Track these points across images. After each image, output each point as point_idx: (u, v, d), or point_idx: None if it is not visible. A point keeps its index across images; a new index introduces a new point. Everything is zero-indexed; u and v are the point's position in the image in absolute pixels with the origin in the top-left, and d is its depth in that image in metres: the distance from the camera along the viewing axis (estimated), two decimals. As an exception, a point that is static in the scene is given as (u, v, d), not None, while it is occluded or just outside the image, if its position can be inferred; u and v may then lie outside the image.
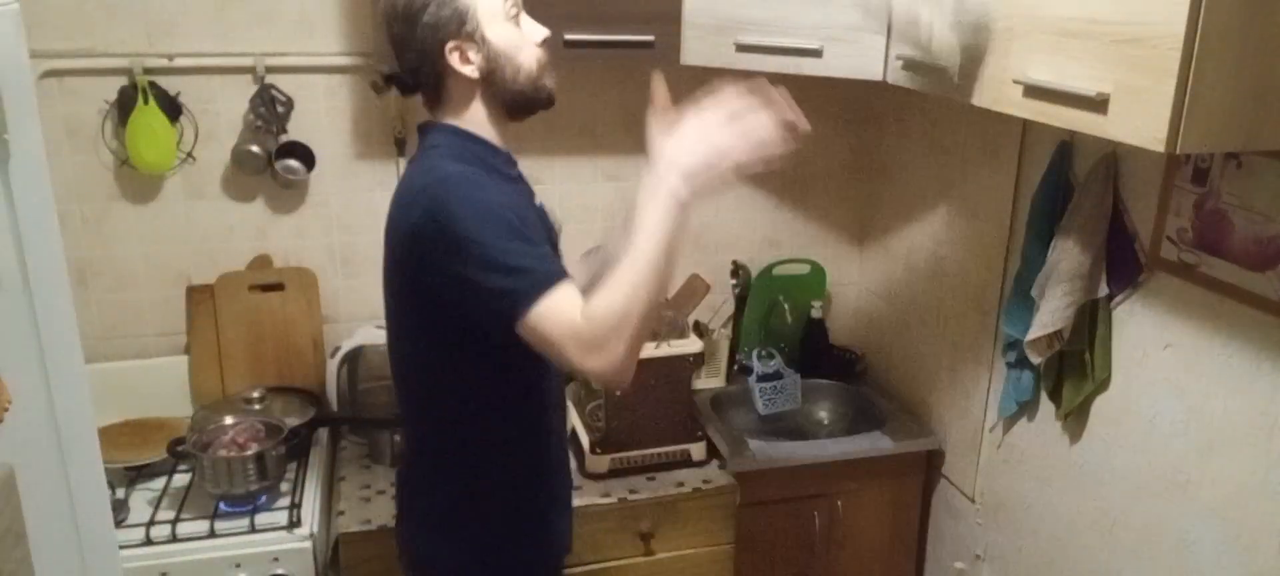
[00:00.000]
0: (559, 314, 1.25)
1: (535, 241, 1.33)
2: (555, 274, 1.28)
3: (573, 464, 2.21)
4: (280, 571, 1.85)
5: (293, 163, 2.20)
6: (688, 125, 1.28)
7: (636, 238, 1.25)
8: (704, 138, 1.26)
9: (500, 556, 1.55)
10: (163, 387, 2.24)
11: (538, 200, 1.55)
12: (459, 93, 1.43)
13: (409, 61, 1.42)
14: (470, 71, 1.40)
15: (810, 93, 2.57)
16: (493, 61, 1.40)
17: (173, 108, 2.13)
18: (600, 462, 2.14)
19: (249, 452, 1.93)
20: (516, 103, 1.45)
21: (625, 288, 1.24)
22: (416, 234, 1.33)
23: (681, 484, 2.14)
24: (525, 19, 1.45)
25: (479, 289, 1.29)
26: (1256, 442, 1.51)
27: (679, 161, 1.25)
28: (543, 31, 1.46)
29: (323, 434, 2.23)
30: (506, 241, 1.29)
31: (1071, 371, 1.87)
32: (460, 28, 1.37)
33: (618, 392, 2.11)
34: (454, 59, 1.38)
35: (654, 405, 2.15)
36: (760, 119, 1.27)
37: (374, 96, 2.18)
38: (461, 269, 1.29)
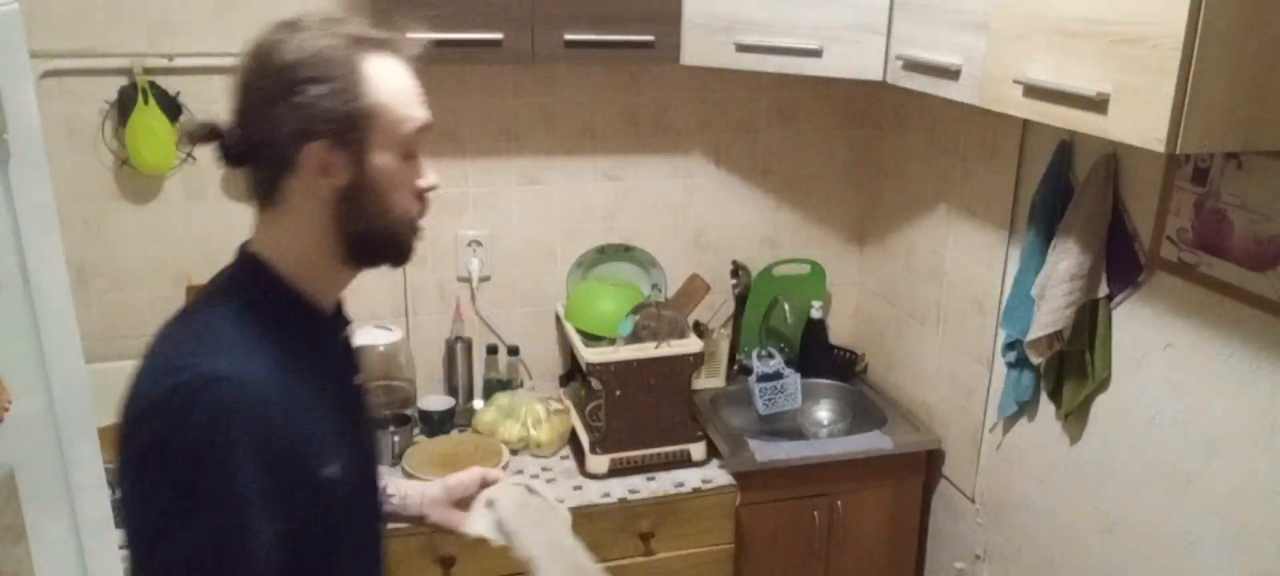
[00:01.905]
0: None
1: (255, 542, 0.97)
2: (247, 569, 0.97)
3: (571, 465, 2.21)
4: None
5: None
6: None
7: None
8: None
9: None
10: (163, 387, 2.23)
11: (358, 377, 1.23)
12: (298, 204, 1.06)
13: (253, 131, 1.04)
14: (325, 186, 1.04)
15: (810, 93, 2.59)
16: (357, 189, 1.05)
17: (173, 108, 2.13)
18: (600, 463, 2.14)
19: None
20: (363, 245, 1.09)
21: None
22: (144, 427, 0.97)
23: (681, 484, 2.14)
24: (423, 162, 1.11)
25: (158, 530, 0.96)
26: (1256, 442, 1.51)
27: None
28: (432, 177, 1.12)
29: (322, 434, 2.22)
30: (212, 488, 0.95)
31: (1071, 371, 1.87)
32: (342, 133, 1.01)
33: (617, 393, 2.11)
34: (312, 163, 1.02)
35: (654, 405, 2.16)
36: None
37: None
38: (146, 479, 0.97)
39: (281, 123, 1.02)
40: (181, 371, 0.96)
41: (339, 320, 1.19)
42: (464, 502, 1.40)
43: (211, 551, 0.95)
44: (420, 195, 1.12)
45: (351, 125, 1.02)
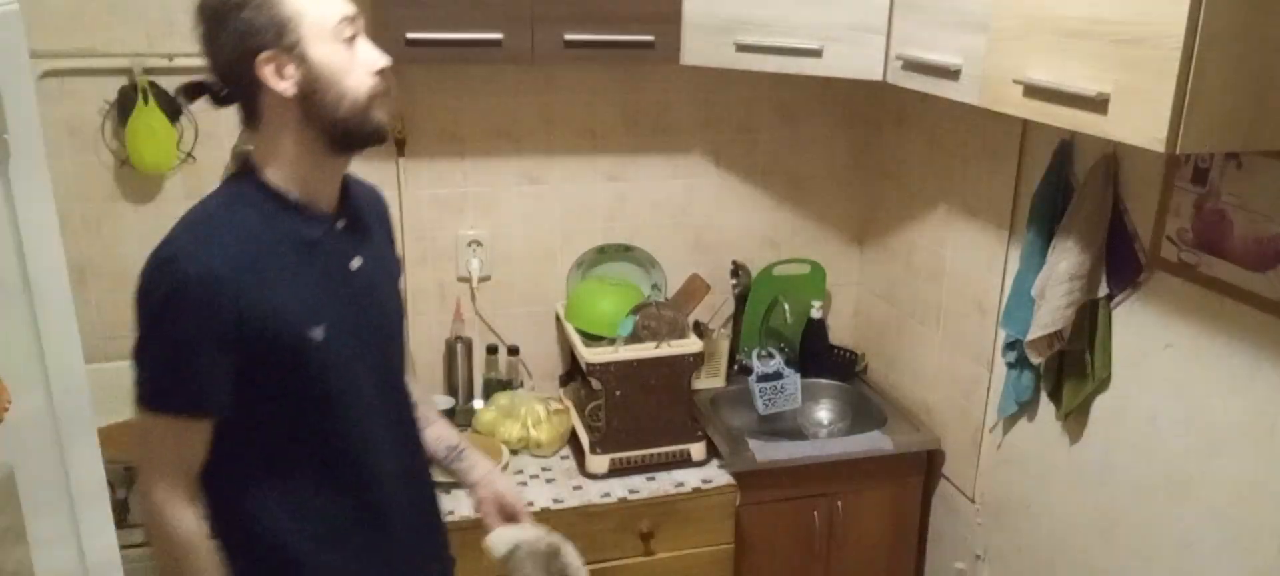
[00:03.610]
0: (151, 440, 1.30)
1: (186, 362, 1.27)
2: (175, 405, 1.29)
3: (571, 465, 2.21)
4: (280, 571, 1.85)
5: (293, 163, 2.20)
6: None
7: None
8: None
9: None
10: (163, 387, 2.23)
11: (355, 261, 1.39)
12: (273, 114, 1.28)
13: (217, 69, 1.28)
14: (286, 88, 1.24)
15: (810, 93, 2.59)
16: (312, 83, 1.24)
17: (173, 108, 2.13)
18: (600, 463, 2.14)
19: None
20: (338, 134, 1.28)
21: (180, 560, 1.31)
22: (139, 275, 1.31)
23: (681, 484, 2.14)
24: (363, 43, 1.29)
25: (131, 349, 1.30)
26: (1256, 442, 1.51)
27: None
28: (382, 59, 1.30)
29: (323, 434, 2.22)
30: (161, 350, 1.27)
31: (1071, 371, 1.87)
32: (278, 38, 1.22)
33: (618, 392, 2.10)
34: (267, 71, 1.23)
35: (654, 405, 2.16)
36: None
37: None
38: (133, 337, 1.30)
39: (229, 51, 1.24)
40: (159, 252, 1.29)
41: (340, 209, 1.37)
42: (507, 515, 1.58)
43: (155, 384, 1.28)
44: (376, 74, 1.28)
45: (282, 29, 1.22)
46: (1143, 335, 1.72)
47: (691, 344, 2.19)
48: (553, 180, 2.43)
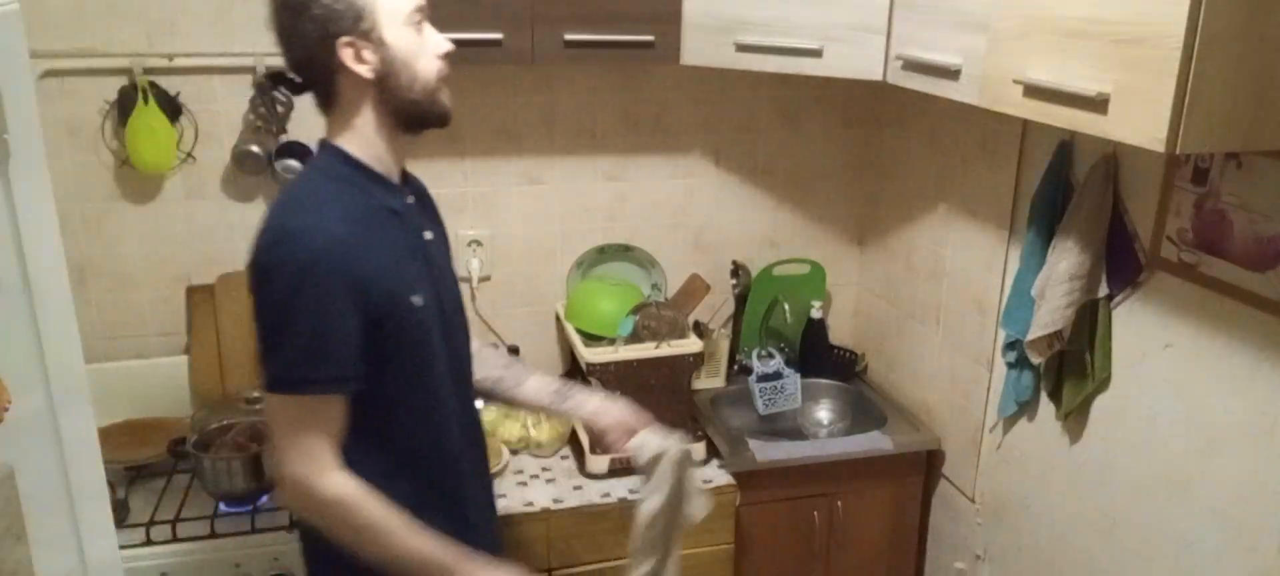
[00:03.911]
0: (300, 425, 1.30)
1: (334, 331, 1.29)
2: (323, 384, 1.30)
3: (571, 465, 2.21)
4: (280, 571, 1.86)
5: (293, 163, 2.20)
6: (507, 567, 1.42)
7: (424, 540, 1.34)
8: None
9: None
10: (163, 387, 2.24)
11: (428, 233, 1.47)
12: (350, 96, 1.35)
13: (295, 56, 1.34)
14: (364, 71, 1.31)
15: (810, 93, 2.59)
16: (388, 65, 1.32)
17: (173, 108, 2.13)
18: (600, 463, 2.14)
19: (249, 452, 1.93)
20: (410, 114, 1.38)
21: (369, 528, 1.32)
22: (251, 268, 1.30)
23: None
24: (429, 28, 1.39)
25: (262, 348, 1.30)
26: (1256, 442, 1.51)
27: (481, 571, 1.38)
28: (446, 44, 1.40)
29: (323, 434, 2.22)
30: (304, 325, 1.27)
31: (1071, 371, 1.87)
32: (356, 24, 1.29)
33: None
34: (346, 55, 1.30)
35: (654, 405, 2.14)
36: None
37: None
38: (260, 320, 1.30)
39: (310, 37, 1.29)
40: (275, 226, 1.28)
41: (404, 186, 1.45)
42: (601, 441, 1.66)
43: (299, 364, 1.28)
44: (443, 58, 1.38)
45: (360, 14, 1.29)
46: (1143, 335, 1.72)
47: (691, 344, 2.19)
48: (553, 180, 2.43)
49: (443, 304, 1.45)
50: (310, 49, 1.31)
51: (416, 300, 1.37)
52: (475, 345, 1.62)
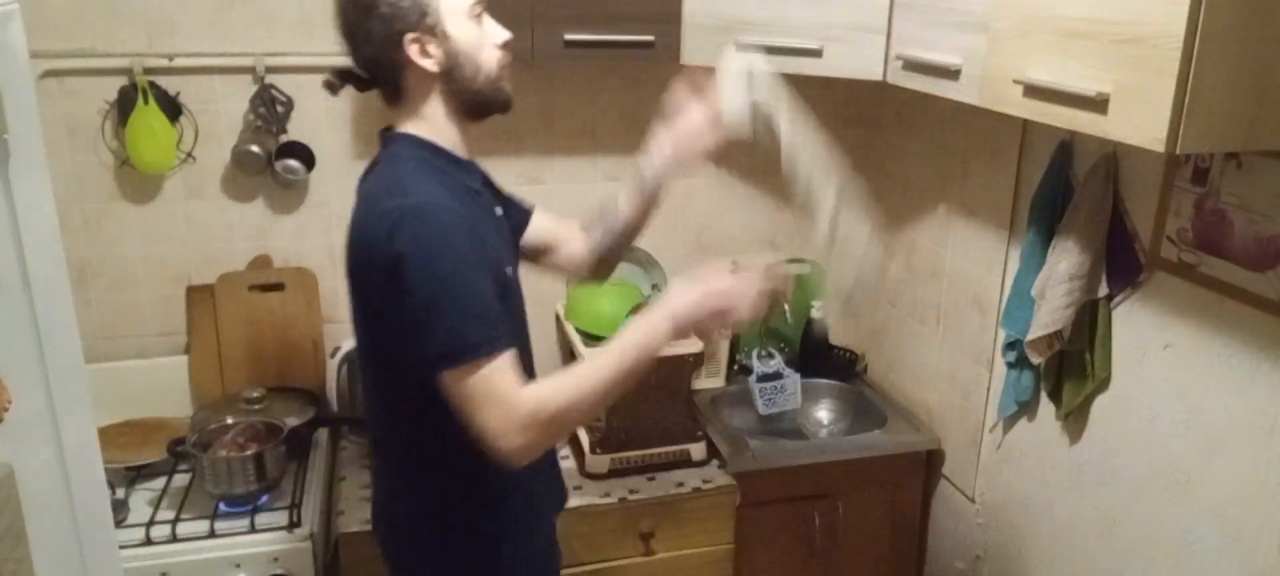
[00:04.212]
0: (492, 386, 1.26)
1: (487, 294, 1.30)
2: (500, 341, 1.27)
3: (571, 466, 2.21)
4: (280, 571, 1.85)
5: (293, 163, 2.20)
6: (694, 279, 1.39)
7: (608, 351, 1.33)
8: (703, 290, 1.38)
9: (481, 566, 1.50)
10: (163, 387, 2.24)
11: (498, 209, 1.52)
12: (418, 89, 1.38)
13: (364, 53, 1.37)
14: (430, 65, 1.35)
15: (810, 93, 2.58)
16: (453, 58, 1.36)
17: (173, 108, 2.13)
18: (600, 462, 2.14)
19: (249, 452, 1.94)
20: (475, 103, 1.41)
21: (577, 391, 1.31)
22: (376, 256, 1.28)
23: (681, 484, 2.14)
24: (488, 19, 1.42)
25: (418, 329, 1.27)
26: (1256, 442, 1.51)
27: (673, 303, 1.36)
28: (505, 33, 1.43)
29: (323, 434, 2.23)
30: (462, 292, 1.26)
31: (1071, 371, 1.87)
32: (421, 19, 1.33)
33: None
34: (413, 51, 1.34)
35: (654, 405, 2.16)
36: (753, 285, 1.39)
37: (372, 97, 2.15)
38: (410, 302, 1.26)
39: (377, 35, 1.33)
40: (394, 208, 1.27)
41: (472, 168, 1.47)
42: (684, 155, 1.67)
43: (468, 325, 1.26)
44: (504, 50, 1.42)
45: (424, 10, 1.33)
46: (1142, 335, 1.72)
47: (691, 344, 2.19)
48: (552, 180, 2.42)
49: (517, 280, 1.49)
50: (378, 46, 1.34)
51: (509, 271, 1.43)
52: (567, 227, 1.71)
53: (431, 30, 1.34)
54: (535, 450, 1.31)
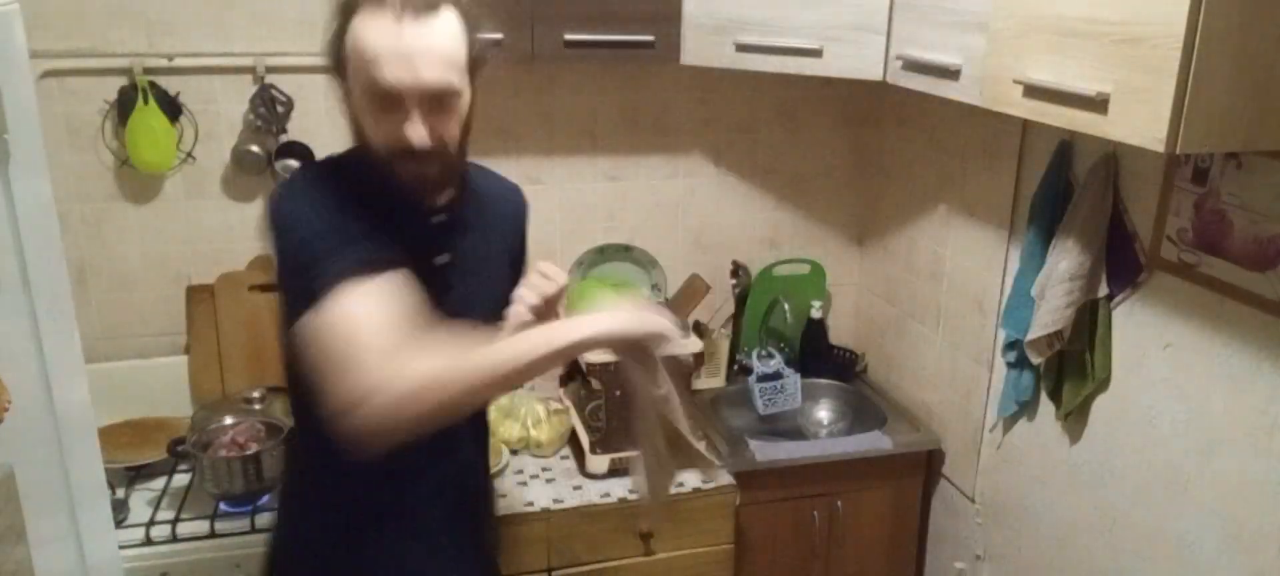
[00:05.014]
0: (348, 317, 1.10)
1: (361, 238, 1.19)
2: (367, 263, 1.14)
3: (571, 465, 2.21)
4: (280, 571, 1.85)
5: (293, 163, 2.20)
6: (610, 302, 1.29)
7: (505, 344, 1.17)
8: (641, 310, 1.27)
9: None
10: (163, 387, 2.24)
11: (443, 258, 1.37)
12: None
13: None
14: (343, 107, 1.28)
15: (810, 93, 2.59)
16: (354, 116, 1.27)
17: (173, 108, 2.13)
18: (600, 463, 2.14)
19: (249, 452, 1.93)
20: (374, 169, 1.26)
21: (454, 370, 1.10)
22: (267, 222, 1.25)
23: (681, 484, 2.14)
24: (409, 120, 1.21)
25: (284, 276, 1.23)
26: (1256, 442, 1.51)
27: (585, 318, 1.23)
28: (410, 138, 1.21)
29: (323, 434, 2.22)
30: (329, 232, 1.18)
31: (1071, 371, 1.87)
32: (337, 67, 1.25)
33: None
34: (338, 86, 1.27)
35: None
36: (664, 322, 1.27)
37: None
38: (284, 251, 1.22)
39: (329, 41, 1.25)
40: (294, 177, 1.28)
41: (436, 208, 1.34)
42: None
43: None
44: (397, 146, 1.21)
45: (338, 62, 1.24)
46: (1142, 335, 1.72)
47: (691, 344, 2.19)
48: (552, 180, 2.42)
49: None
50: (330, 50, 1.26)
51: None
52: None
53: (343, 81, 1.25)
54: (380, 430, 1.08)
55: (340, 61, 1.23)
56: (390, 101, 1.20)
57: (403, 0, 1.18)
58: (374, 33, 1.18)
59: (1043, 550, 2.03)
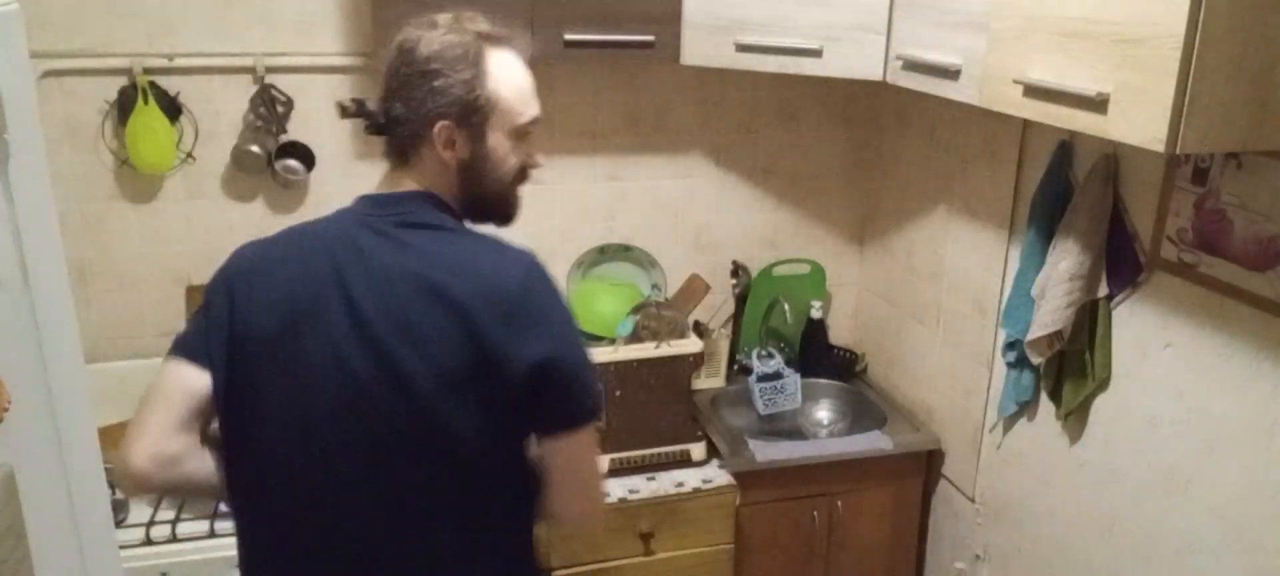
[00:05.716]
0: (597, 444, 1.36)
1: None
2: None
3: None
4: (280, 571, 1.85)
5: (293, 163, 2.20)
6: None
7: None
8: None
9: None
10: (163, 387, 2.23)
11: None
12: (429, 167, 1.28)
13: (393, 110, 1.26)
14: (449, 157, 1.26)
15: (810, 93, 2.59)
16: (476, 159, 1.28)
17: (173, 108, 2.13)
18: (600, 463, 2.14)
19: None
20: (475, 204, 1.33)
21: None
22: (512, 296, 1.22)
23: (681, 484, 2.14)
24: (532, 140, 1.35)
25: (585, 380, 1.29)
26: (1256, 442, 1.51)
27: None
28: (538, 160, 1.36)
29: (323, 434, 2.22)
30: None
31: (1071, 371, 1.87)
32: (466, 116, 1.25)
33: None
34: (440, 138, 1.25)
35: (654, 405, 2.16)
36: None
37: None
38: (570, 350, 1.27)
39: (418, 104, 1.24)
40: (523, 256, 1.25)
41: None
42: None
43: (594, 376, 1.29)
44: (524, 170, 1.34)
45: (474, 110, 1.25)
46: (1143, 335, 1.72)
47: (691, 344, 2.19)
48: (553, 180, 2.43)
49: None
50: (411, 111, 1.25)
51: None
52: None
53: (468, 127, 1.26)
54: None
55: (475, 107, 1.25)
56: (525, 132, 1.32)
57: (515, 39, 1.32)
58: (518, 73, 1.30)
59: (1043, 550, 2.03)
